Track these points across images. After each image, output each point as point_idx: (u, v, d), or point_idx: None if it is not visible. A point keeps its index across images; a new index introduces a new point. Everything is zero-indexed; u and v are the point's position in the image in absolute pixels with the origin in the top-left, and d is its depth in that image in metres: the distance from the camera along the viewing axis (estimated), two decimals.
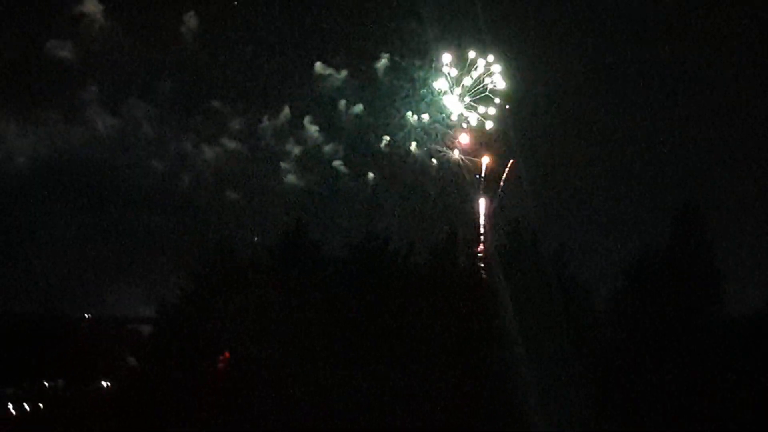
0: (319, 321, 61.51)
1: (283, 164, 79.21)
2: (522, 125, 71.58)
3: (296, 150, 79.12)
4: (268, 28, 79.29)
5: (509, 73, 74.82)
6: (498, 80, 75.01)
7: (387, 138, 77.45)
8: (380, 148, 78.12)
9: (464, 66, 75.83)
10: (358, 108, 79.15)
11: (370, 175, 78.50)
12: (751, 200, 67.37)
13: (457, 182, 76.43)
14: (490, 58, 75.03)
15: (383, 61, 77.94)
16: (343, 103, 78.75)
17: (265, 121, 79.22)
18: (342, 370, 60.26)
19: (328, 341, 61.01)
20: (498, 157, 75.74)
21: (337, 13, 79.26)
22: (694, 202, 64.77)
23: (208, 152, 79.15)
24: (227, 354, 63.82)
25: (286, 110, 78.80)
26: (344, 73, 79.04)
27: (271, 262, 65.52)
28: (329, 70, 79.02)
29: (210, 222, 73.47)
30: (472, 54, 75.17)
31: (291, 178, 79.00)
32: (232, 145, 79.35)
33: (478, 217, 73.70)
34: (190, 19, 79.16)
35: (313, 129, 79.19)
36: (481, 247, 69.91)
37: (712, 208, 65.96)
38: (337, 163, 78.97)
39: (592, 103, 71.12)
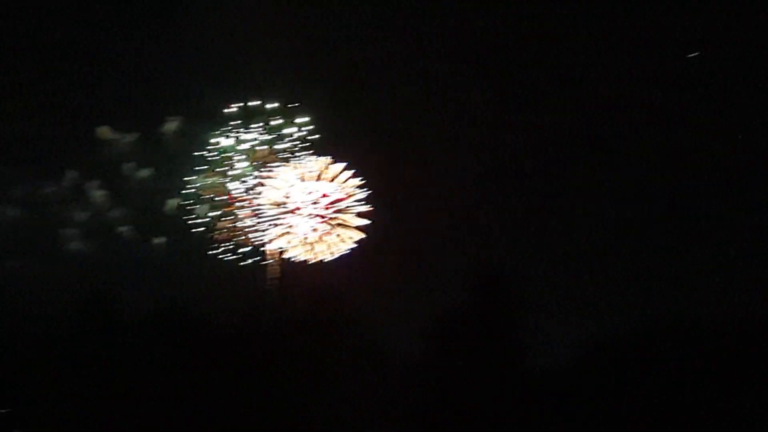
0: (123, 392, 61.13)
1: (67, 231, 77.32)
2: None
3: (82, 216, 77.45)
4: (48, 88, 77.45)
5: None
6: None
7: (176, 201, 76.87)
8: (169, 211, 77.43)
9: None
10: (146, 172, 78.23)
11: (162, 239, 77.63)
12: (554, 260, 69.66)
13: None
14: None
15: (172, 124, 77.50)
16: (130, 167, 77.68)
17: (48, 187, 77.16)
18: None
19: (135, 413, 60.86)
20: None
21: (123, 75, 78.61)
22: (497, 260, 66.81)
23: None
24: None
25: (70, 175, 77.02)
26: (131, 136, 78.08)
27: (68, 334, 63.84)
28: (116, 134, 77.90)
29: None
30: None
31: (76, 245, 77.22)
32: (11, 211, 76.95)
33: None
34: None
35: (99, 194, 77.76)
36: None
37: (517, 266, 67.31)
38: (124, 228, 77.59)
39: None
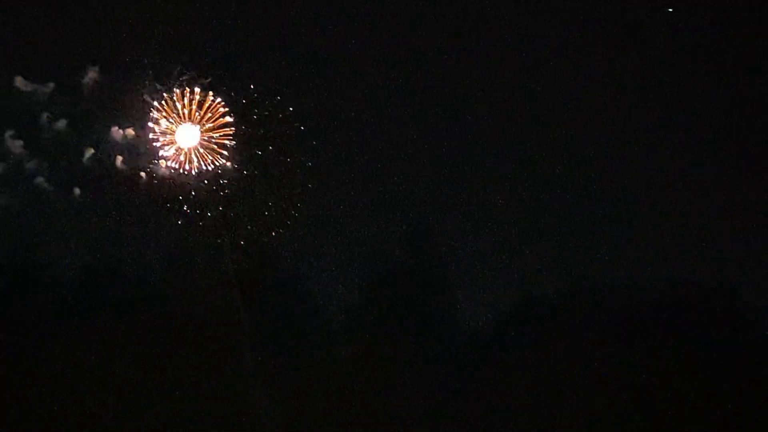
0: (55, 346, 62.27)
1: None
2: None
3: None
4: None
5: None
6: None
7: (91, 151, 77.15)
8: (84, 163, 77.70)
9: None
10: (62, 123, 78.30)
11: (76, 190, 77.87)
12: (477, 215, 71.46)
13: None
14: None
15: (90, 75, 77.58)
16: (45, 117, 77.69)
17: None
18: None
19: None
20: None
21: (40, 22, 78.17)
22: (426, 216, 69.20)
23: None
24: None
25: None
26: (50, 86, 77.96)
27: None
28: (32, 85, 77.71)
29: None
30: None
31: None
32: None
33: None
34: None
35: (17, 144, 77.61)
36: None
37: (444, 222, 69.83)
38: (39, 180, 77.68)
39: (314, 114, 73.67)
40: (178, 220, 74.94)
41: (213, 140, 76.26)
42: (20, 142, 77.31)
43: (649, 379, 60.38)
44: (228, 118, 74.77)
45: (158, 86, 76.48)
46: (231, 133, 74.77)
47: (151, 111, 76.06)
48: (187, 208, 75.90)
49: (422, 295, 66.47)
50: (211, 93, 74.52)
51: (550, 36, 71.80)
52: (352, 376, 64.74)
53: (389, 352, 64.80)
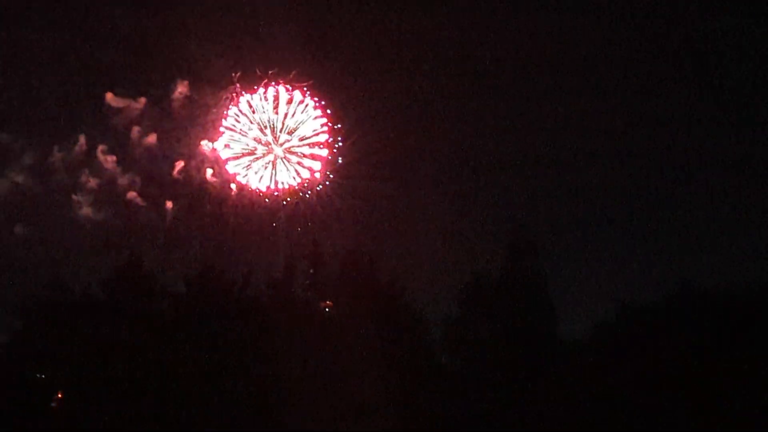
0: (155, 356, 63.58)
1: (76, 197, 78.72)
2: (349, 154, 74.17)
3: (92, 182, 78.85)
4: (60, 56, 78.77)
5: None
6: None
7: (181, 164, 78.52)
8: (174, 176, 79.03)
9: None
10: (152, 137, 79.76)
11: (168, 204, 79.27)
12: (580, 229, 72.24)
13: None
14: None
15: (180, 90, 79.00)
16: (136, 131, 79.26)
17: (56, 153, 78.50)
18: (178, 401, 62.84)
19: (164, 376, 62.75)
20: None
21: (131, 41, 79.89)
22: (526, 228, 69.29)
23: None
24: (60, 394, 63.72)
25: (80, 140, 78.39)
26: (141, 101, 79.49)
27: (104, 297, 66.07)
28: (124, 100, 79.22)
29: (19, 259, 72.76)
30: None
31: (86, 211, 78.63)
32: (20, 178, 78.29)
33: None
34: None
35: (109, 160, 79.18)
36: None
37: (544, 234, 72.51)
38: (132, 195, 79.15)
39: (413, 127, 74.64)
40: (273, 230, 76.62)
41: (301, 153, 77.42)
42: (113, 158, 79.04)
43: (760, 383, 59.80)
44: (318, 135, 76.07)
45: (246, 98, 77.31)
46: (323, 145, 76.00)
47: (239, 122, 77.51)
48: (281, 219, 77.35)
49: (521, 306, 65.86)
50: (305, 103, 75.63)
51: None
52: (451, 385, 64.64)
53: (489, 362, 64.56)
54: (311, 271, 69.32)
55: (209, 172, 78.44)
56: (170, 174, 79.55)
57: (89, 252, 73.82)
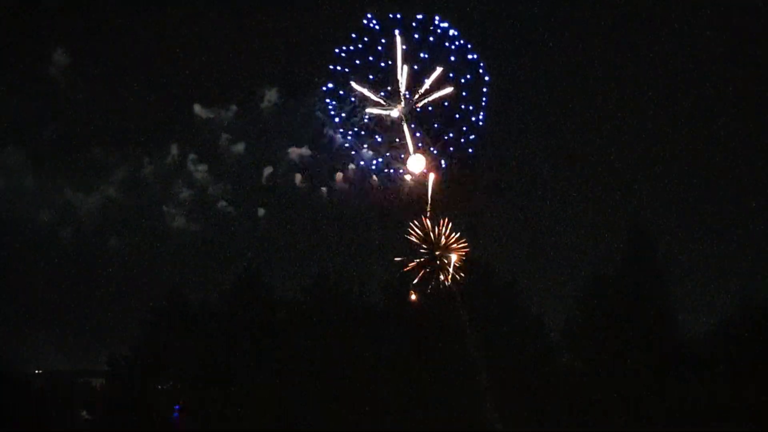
0: (277, 365, 64.75)
1: (167, 209, 79.24)
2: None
3: (185, 193, 79.38)
4: (147, 67, 79.71)
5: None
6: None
7: (270, 169, 78.88)
8: (263, 183, 79.45)
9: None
10: (240, 145, 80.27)
11: (261, 210, 79.61)
12: (699, 226, 72.40)
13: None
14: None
15: (267, 97, 79.56)
16: (225, 139, 79.83)
17: (147, 165, 79.17)
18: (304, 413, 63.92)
19: (288, 386, 64.21)
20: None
21: (216, 48, 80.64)
22: (644, 227, 69.68)
23: (89, 200, 78.49)
24: (182, 403, 65.02)
25: (172, 151, 79.08)
26: (231, 109, 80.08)
27: (224, 307, 67.39)
28: (212, 108, 79.81)
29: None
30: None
31: (180, 222, 79.09)
32: (112, 191, 78.97)
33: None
34: (60, 58, 78.80)
35: (200, 169, 79.67)
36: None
37: (662, 233, 70.73)
38: (222, 204, 79.55)
39: (530, 130, 75.21)
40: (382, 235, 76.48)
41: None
42: (204, 167, 79.68)
43: None
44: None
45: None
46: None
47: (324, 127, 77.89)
48: (389, 223, 77.24)
49: (640, 305, 65.93)
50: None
51: None
52: (572, 386, 65.17)
53: (611, 364, 64.78)
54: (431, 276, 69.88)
55: (297, 177, 78.52)
56: (259, 181, 79.87)
57: (194, 263, 73.78)
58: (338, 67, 73.60)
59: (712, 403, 62.76)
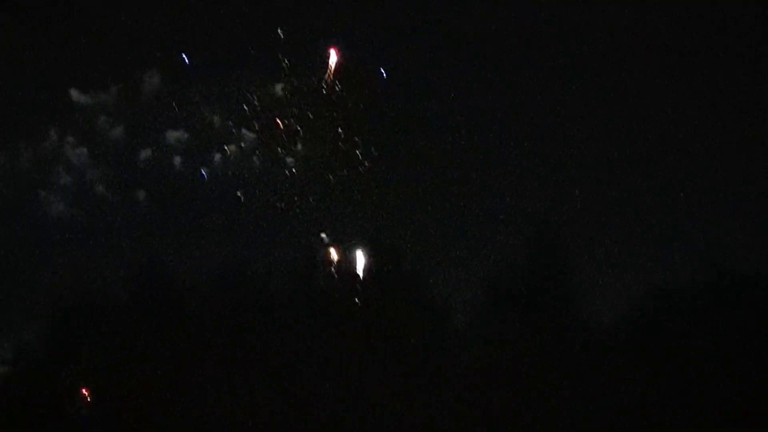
0: (181, 353, 64.96)
1: (44, 193, 77.96)
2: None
3: (65, 179, 78.23)
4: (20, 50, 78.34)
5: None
6: None
7: (148, 152, 78.47)
8: (140, 165, 78.99)
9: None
10: (119, 129, 79.58)
11: (141, 193, 78.94)
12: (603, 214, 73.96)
13: None
14: None
15: (148, 78, 79.04)
16: (103, 121, 78.97)
17: (23, 152, 77.77)
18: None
19: (190, 372, 64.81)
20: None
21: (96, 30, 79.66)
22: (548, 213, 71.59)
23: None
24: (86, 390, 65.69)
25: (50, 135, 77.88)
26: (105, 94, 79.21)
27: (127, 297, 67.81)
28: (89, 93, 78.90)
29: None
30: None
31: (58, 208, 77.84)
32: None
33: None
34: None
35: (78, 153, 78.60)
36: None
37: (568, 220, 72.15)
38: (100, 189, 78.65)
39: (434, 108, 76.21)
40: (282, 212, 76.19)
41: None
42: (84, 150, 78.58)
43: None
44: None
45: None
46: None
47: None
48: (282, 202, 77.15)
49: (548, 294, 67.12)
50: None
51: None
52: (478, 378, 65.34)
53: (517, 353, 65.22)
54: (335, 260, 70.66)
55: (178, 159, 78.30)
56: (135, 163, 79.31)
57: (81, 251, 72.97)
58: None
59: (624, 391, 63.26)
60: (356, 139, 74.83)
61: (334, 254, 71.76)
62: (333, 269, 70.88)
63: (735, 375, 61.32)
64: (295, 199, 74.45)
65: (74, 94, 78.55)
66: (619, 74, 74.56)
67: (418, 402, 64.29)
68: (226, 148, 77.49)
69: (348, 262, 71.00)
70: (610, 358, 65.06)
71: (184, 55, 75.27)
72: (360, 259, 70.76)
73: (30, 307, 69.44)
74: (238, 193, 75.19)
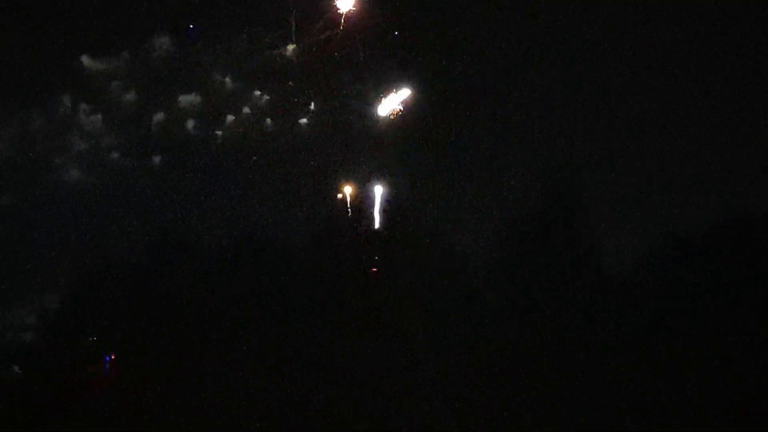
0: (204, 317, 65.14)
1: (59, 160, 78.36)
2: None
3: (79, 145, 78.60)
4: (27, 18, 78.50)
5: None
6: None
7: (161, 116, 78.78)
8: (154, 130, 79.29)
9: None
10: (131, 94, 79.82)
11: (156, 159, 79.21)
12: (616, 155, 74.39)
13: None
14: None
15: (159, 42, 79.22)
16: (115, 87, 79.23)
17: (36, 119, 78.14)
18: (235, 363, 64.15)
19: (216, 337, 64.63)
20: None
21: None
22: (565, 158, 71.51)
23: None
24: (113, 357, 66.18)
25: (64, 102, 78.14)
26: (117, 59, 79.40)
27: (147, 262, 68.10)
28: (100, 58, 79.13)
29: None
30: None
31: (75, 175, 78.23)
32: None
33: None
34: None
35: (92, 119, 78.92)
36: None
37: (584, 165, 71.92)
38: (115, 155, 79.01)
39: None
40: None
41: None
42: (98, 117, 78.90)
43: None
44: None
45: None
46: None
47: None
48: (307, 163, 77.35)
49: (565, 244, 67.22)
50: None
51: None
52: (496, 332, 65.11)
53: (533, 305, 65.59)
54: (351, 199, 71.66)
55: (190, 123, 78.53)
56: (147, 129, 79.73)
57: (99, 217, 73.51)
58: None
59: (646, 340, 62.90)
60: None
61: (349, 192, 72.46)
62: (349, 209, 71.19)
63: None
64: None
65: (85, 60, 78.64)
66: (646, 11, 73.74)
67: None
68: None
69: (364, 199, 71.92)
70: (629, 302, 65.06)
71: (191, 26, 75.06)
72: (378, 196, 71.86)
73: (51, 274, 70.10)
74: (254, 158, 75.61)
